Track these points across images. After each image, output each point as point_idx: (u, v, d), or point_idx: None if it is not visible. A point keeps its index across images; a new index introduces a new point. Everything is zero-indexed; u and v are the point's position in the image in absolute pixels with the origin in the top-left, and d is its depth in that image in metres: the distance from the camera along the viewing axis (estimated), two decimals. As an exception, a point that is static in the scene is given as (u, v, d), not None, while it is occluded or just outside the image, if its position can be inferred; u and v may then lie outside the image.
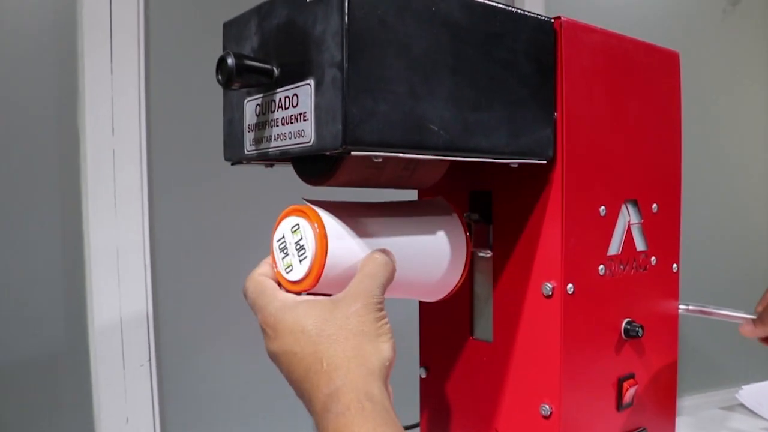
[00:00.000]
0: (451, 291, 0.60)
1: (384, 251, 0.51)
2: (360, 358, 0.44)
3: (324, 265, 0.48)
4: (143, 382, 1.01)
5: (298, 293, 0.50)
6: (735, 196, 1.51)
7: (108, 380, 0.99)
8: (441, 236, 0.57)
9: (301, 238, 0.49)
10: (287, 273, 0.50)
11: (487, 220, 0.64)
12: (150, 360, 1.01)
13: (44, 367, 0.98)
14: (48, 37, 0.97)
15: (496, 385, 0.65)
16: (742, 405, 1.11)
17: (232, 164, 0.58)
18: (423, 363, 0.74)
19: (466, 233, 0.59)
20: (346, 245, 0.50)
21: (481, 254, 0.65)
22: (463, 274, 0.59)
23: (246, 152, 0.54)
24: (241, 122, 0.55)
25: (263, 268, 0.52)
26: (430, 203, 0.60)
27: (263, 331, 0.48)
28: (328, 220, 0.49)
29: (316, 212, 0.49)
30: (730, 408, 1.17)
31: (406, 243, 0.54)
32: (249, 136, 0.54)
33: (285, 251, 0.50)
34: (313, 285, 0.48)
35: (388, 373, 0.46)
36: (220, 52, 0.48)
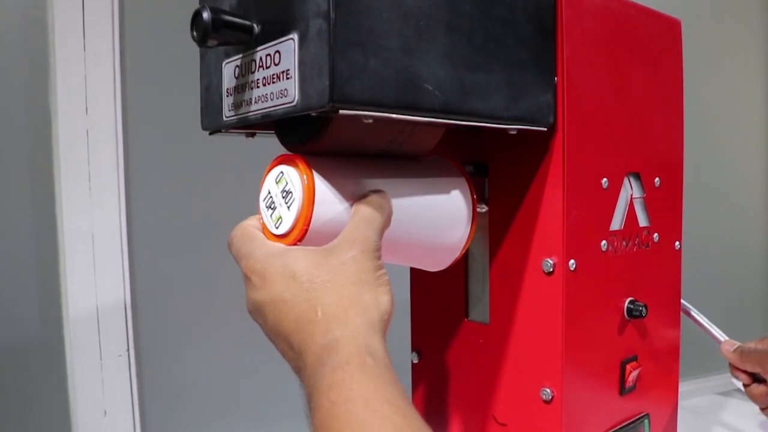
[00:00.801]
0: (457, 257, 0.56)
1: (379, 192, 0.47)
2: (359, 308, 0.40)
3: (313, 202, 0.44)
4: (121, 373, 0.97)
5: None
6: (731, 183, 1.49)
7: (84, 372, 0.95)
8: (445, 195, 0.54)
9: (287, 184, 0.46)
10: (277, 228, 0.46)
11: (482, 173, 0.61)
12: (128, 350, 0.97)
13: (17, 359, 0.94)
14: (16, 10, 0.93)
15: (493, 370, 0.62)
16: (738, 390, 1.09)
17: (210, 133, 0.54)
18: (415, 347, 0.70)
19: (472, 195, 0.55)
20: (335, 184, 0.46)
21: (477, 209, 0.61)
22: (469, 237, 0.55)
23: (225, 119, 0.50)
24: (219, 87, 0.51)
25: (253, 221, 0.48)
26: (430, 161, 0.56)
27: (247, 279, 0.44)
28: (313, 161, 0.46)
29: (299, 156, 0.46)
30: (727, 393, 1.15)
31: (407, 201, 0.50)
32: (228, 101, 0.50)
33: (272, 206, 0.47)
34: (304, 228, 0.44)
35: (386, 328, 0.42)
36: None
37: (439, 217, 0.54)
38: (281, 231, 0.46)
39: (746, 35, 1.51)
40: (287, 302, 0.41)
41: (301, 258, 0.42)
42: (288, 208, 0.45)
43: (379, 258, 0.43)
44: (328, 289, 0.41)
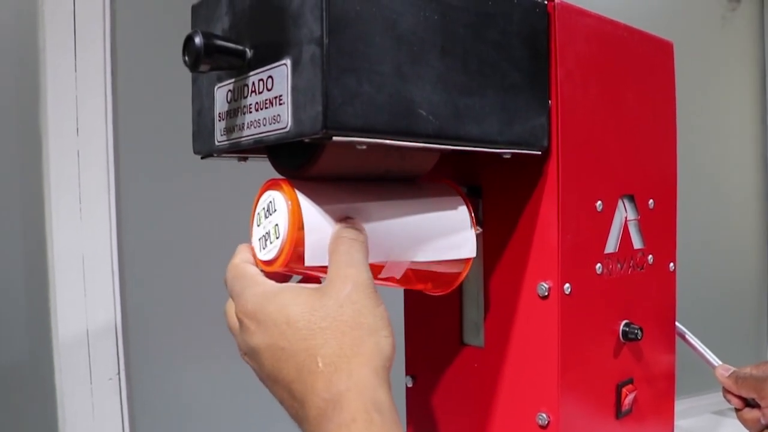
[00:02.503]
0: (460, 277, 0.56)
1: (347, 221, 0.45)
2: (362, 357, 0.39)
3: (299, 227, 0.44)
4: (112, 396, 0.96)
5: (274, 276, 0.45)
6: (724, 199, 1.49)
7: (74, 395, 0.93)
8: (441, 215, 0.53)
9: (274, 209, 0.45)
10: (265, 254, 0.45)
11: (476, 194, 0.60)
12: (119, 373, 0.96)
13: (5, 382, 0.93)
14: (8, 32, 0.92)
15: (488, 394, 0.61)
16: (733, 409, 1.08)
17: (202, 158, 0.54)
18: (409, 371, 0.69)
19: (470, 213, 0.55)
20: (325, 209, 0.45)
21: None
22: (468, 260, 0.55)
23: (217, 143, 0.50)
24: (211, 111, 0.51)
25: (243, 254, 0.47)
26: (425, 184, 0.56)
27: (240, 323, 0.42)
28: (303, 185, 0.45)
29: (286, 180, 0.45)
30: (722, 412, 1.14)
31: (406, 222, 0.50)
32: (220, 126, 0.49)
33: (261, 232, 0.46)
34: (290, 254, 0.43)
35: (389, 372, 0.40)
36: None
37: (441, 235, 0.53)
38: (268, 257, 0.45)
39: (737, 57, 1.52)
40: (285, 350, 0.39)
41: (294, 301, 0.40)
42: (275, 233, 0.44)
43: (374, 291, 0.42)
44: (327, 336, 0.39)
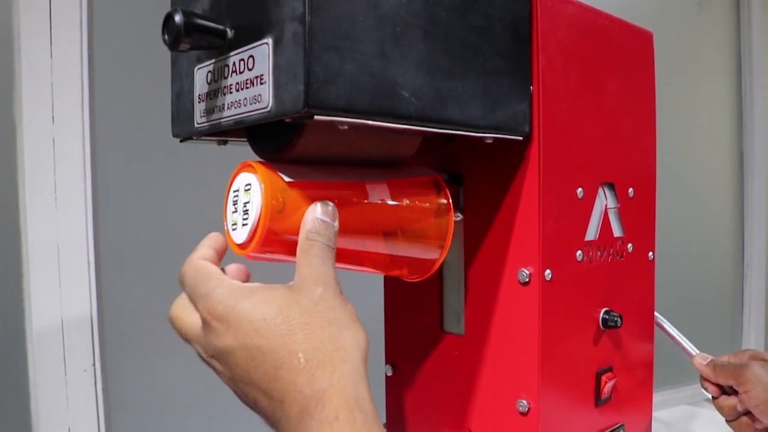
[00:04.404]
0: (437, 264, 0.55)
1: (321, 207, 0.44)
2: (342, 352, 0.39)
3: (271, 209, 0.43)
4: (87, 388, 0.94)
5: (237, 274, 0.44)
6: (700, 190, 1.51)
7: (48, 387, 0.92)
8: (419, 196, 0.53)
9: (247, 192, 0.44)
10: (237, 237, 0.44)
11: (456, 182, 0.60)
12: (94, 365, 0.95)
13: (-23, 375, 0.91)
14: (-19, 17, 0.90)
15: (469, 382, 0.61)
16: (709, 400, 1.10)
17: (181, 140, 0.53)
18: (389, 360, 0.69)
19: (448, 199, 0.54)
20: (300, 192, 0.45)
21: (453, 218, 0.61)
22: (446, 245, 0.55)
23: (196, 125, 0.49)
24: (190, 93, 0.50)
25: (203, 251, 0.45)
26: (405, 168, 0.55)
27: (206, 325, 0.41)
28: (279, 167, 0.45)
29: (260, 162, 0.45)
30: (698, 403, 1.16)
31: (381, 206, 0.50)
32: (199, 108, 0.49)
33: (234, 215, 0.45)
34: (262, 237, 0.43)
35: (366, 365, 0.40)
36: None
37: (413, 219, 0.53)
38: (240, 240, 0.44)
39: (715, 48, 1.53)
40: (261, 348, 0.38)
41: (270, 299, 0.40)
42: (247, 216, 0.44)
43: (342, 292, 0.42)
44: (308, 332, 0.39)
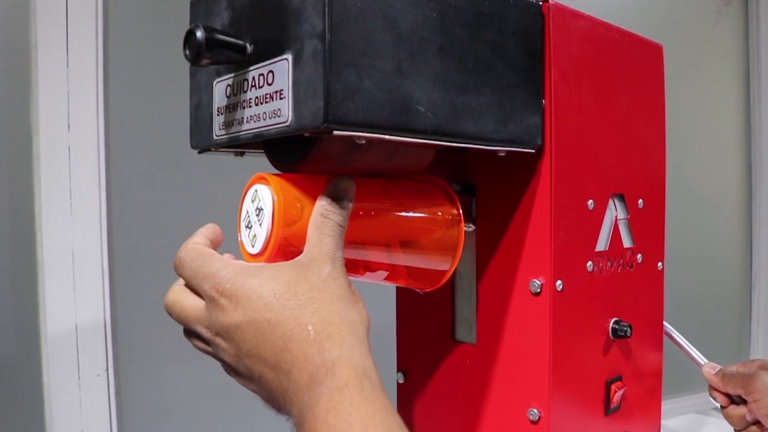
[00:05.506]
0: (447, 275, 0.56)
1: (339, 182, 0.46)
2: (349, 326, 0.40)
3: (280, 237, 0.44)
4: (100, 393, 0.95)
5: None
6: (709, 200, 1.51)
7: (62, 392, 0.93)
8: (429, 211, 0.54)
9: (260, 203, 0.45)
10: (252, 247, 0.46)
11: (469, 192, 0.61)
12: (107, 370, 0.96)
13: (-8, 379, 0.92)
14: (-1, 27, 0.92)
15: (480, 390, 0.62)
16: (717, 409, 1.10)
17: (199, 152, 0.54)
18: (400, 367, 0.70)
19: (459, 210, 0.55)
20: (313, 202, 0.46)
21: (464, 228, 0.62)
22: (456, 256, 0.55)
23: (215, 138, 0.50)
24: (209, 106, 0.51)
25: (199, 238, 0.46)
26: (418, 181, 0.56)
27: (212, 302, 0.41)
28: (293, 179, 0.46)
29: (273, 174, 0.46)
30: (706, 412, 1.16)
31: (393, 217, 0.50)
32: (218, 120, 0.50)
33: (249, 226, 0.46)
34: (276, 246, 0.44)
35: (369, 341, 0.42)
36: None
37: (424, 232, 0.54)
38: (255, 250, 0.45)
39: (724, 59, 1.54)
40: (270, 322, 0.39)
41: (278, 275, 0.41)
42: (261, 226, 0.45)
43: (346, 273, 0.44)
44: (317, 306, 0.40)
